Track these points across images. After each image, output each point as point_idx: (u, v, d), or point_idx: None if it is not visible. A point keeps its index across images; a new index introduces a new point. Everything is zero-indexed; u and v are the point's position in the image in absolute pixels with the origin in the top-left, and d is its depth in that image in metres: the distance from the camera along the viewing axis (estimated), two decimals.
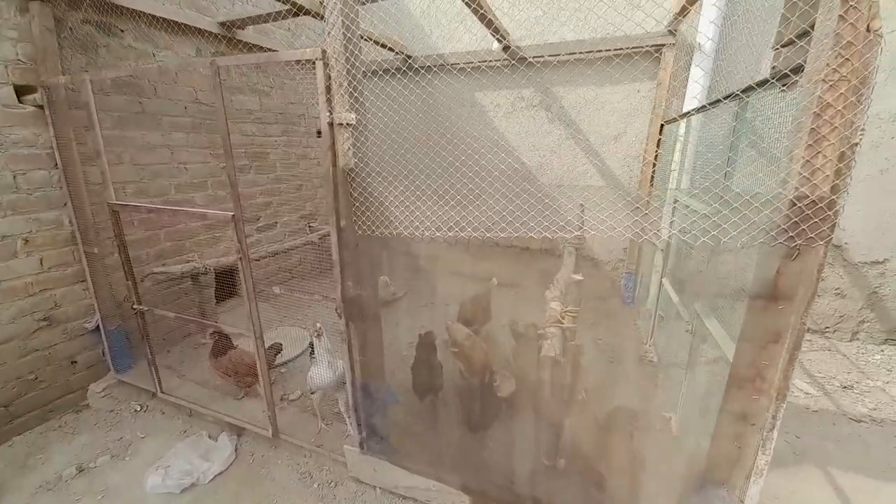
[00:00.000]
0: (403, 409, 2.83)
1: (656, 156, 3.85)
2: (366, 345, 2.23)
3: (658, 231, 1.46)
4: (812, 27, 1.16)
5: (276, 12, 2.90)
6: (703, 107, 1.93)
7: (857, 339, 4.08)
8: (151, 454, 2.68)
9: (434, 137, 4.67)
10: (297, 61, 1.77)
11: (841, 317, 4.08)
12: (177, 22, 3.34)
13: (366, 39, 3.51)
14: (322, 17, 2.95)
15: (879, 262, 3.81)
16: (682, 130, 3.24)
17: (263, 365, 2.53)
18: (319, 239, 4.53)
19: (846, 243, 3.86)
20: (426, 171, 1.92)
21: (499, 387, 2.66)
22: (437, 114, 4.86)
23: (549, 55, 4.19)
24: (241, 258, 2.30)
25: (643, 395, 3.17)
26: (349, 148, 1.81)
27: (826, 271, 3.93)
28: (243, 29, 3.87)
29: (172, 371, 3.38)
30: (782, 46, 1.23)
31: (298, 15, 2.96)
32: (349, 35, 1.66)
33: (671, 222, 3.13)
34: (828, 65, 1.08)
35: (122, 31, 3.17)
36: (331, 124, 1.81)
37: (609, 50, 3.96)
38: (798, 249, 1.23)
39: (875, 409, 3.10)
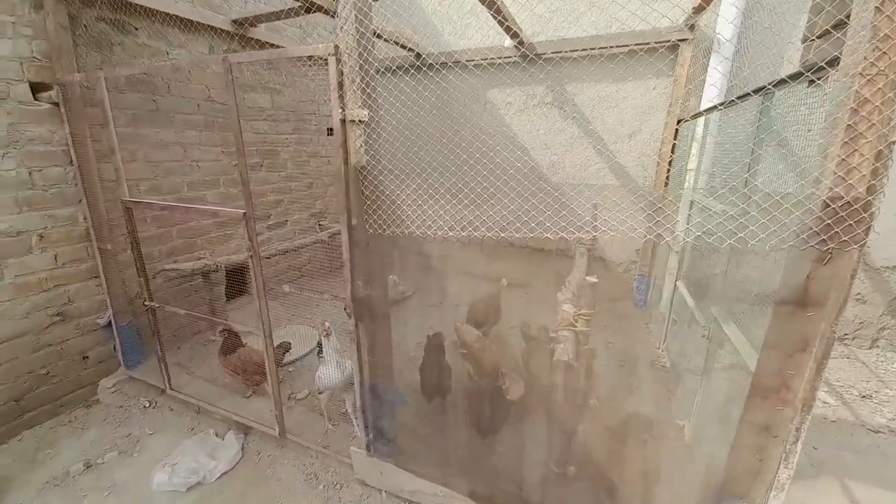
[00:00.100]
0: (411, 411, 2.80)
1: (672, 154, 3.76)
2: (375, 345, 2.20)
3: (680, 233, 1.40)
4: (847, 18, 1.10)
5: (289, 9, 2.89)
6: (730, 101, 1.86)
7: (877, 346, 3.96)
8: (159, 451, 2.68)
9: (448, 135, 4.65)
10: (310, 57, 1.75)
11: (861, 323, 3.95)
12: (190, 20, 3.36)
13: (377, 36, 3.50)
14: (334, 14, 2.96)
15: None
16: (699, 128, 3.16)
17: (272, 364, 2.52)
18: (329, 237, 4.52)
19: (868, 247, 3.74)
20: (438, 170, 1.88)
21: (508, 390, 2.61)
22: (448, 111, 4.83)
23: (563, 51, 4.13)
24: (252, 256, 2.29)
25: (655, 402, 3.09)
26: (361, 145, 1.78)
27: None
28: (256, 27, 3.88)
29: (182, 368, 3.39)
30: (818, 38, 1.17)
31: (311, 12, 2.94)
32: (362, 30, 1.64)
33: (688, 223, 3.06)
34: (865, 58, 1.03)
35: (136, 28, 3.20)
36: (343, 121, 1.78)
37: (625, 46, 3.89)
38: (830, 253, 1.17)
39: (894, 420, 3.01)
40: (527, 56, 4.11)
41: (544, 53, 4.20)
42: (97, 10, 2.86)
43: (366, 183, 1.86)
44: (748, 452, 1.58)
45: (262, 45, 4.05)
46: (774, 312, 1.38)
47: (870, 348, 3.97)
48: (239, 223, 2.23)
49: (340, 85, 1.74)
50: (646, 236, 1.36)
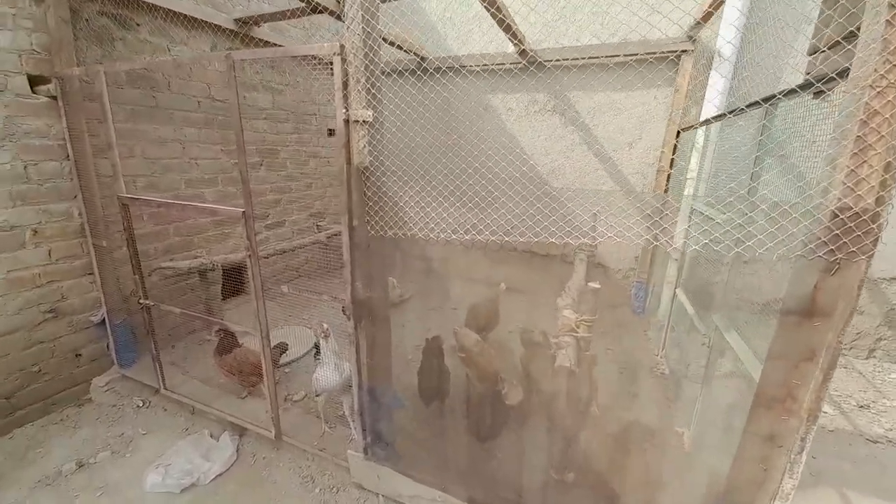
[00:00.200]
0: (409, 414, 2.78)
1: (672, 163, 3.78)
2: (374, 348, 2.18)
3: (686, 241, 1.40)
4: (856, 30, 1.10)
5: (293, 10, 2.88)
6: (736, 110, 1.86)
7: (874, 356, 3.98)
8: (152, 451, 2.64)
9: (453, 136, 4.64)
10: (314, 56, 1.73)
11: (858, 333, 3.97)
12: (193, 17, 3.34)
13: (382, 39, 3.50)
14: (337, 16, 2.95)
15: None
16: (699, 137, 3.17)
17: (269, 365, 2.49)
18: (327, 238, 4.50)
19: None
20: (442, 172, 1.87)
21: (506, 395, 2.59)
22: (450, 115, 4.83)
23: (565, 59, 4.15)
24: (250, 255, 2.26)
25: (654, 409, 3.09)
26: (364, 146, 1.77)
27: None
28: (259, 26, 3.87)
29: (176, 367, 3.34)
30: (828, 49, 1.17)
31: (316, 12, 2.93)
32: (368, 30, 1.62)
33: (688, 231, 3.06)
34: (875, 70, 1.03)
35: (137, 24, 3.17)
36: (346, 121, 1.77)
37: (627, 55, 3.91)
38: (838, 263, 1.16)
39: (891, 430, 3.02)
40: (530, 63, 4.12)
41: (550, 60, 4.21)
42: (99, 4, 2.83)
43: (368, 184, 1.84)
44: (752, 462, 1.57)
45: (266, 44, 4.04)
46: (780, 322, 1.38)
47: (867, 358, 3.99)
48: (237, 222, 2.21)
49: (345, 85, 1.72)
50: (652, 243, 1.35)
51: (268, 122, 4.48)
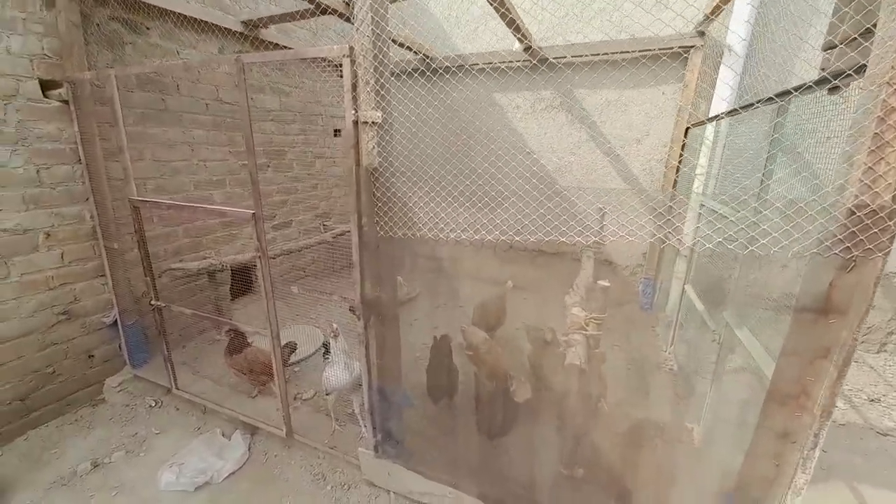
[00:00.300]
0: (418, 412, 2.79)
1: (680, 160, 3.75)
2: (383, 347, 2.20)
3: (698, 239, 1.39)
4: (873, 27, 1.09)
5: (299, 11, 2.88)
6: (748, 105, 1.84)
7: (885, 350, 3.96)
8: (166, 450, 2.67)
9: (462, 137, 4.63)
10: (324, 58, 1.74)
11: (869, 328, 3.95)
12: (201, 20, 3.36)
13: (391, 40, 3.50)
14: (344, 17, 2.96)
15: None
16: (709, 133, 3.15)
17: (279, 364, 2.51)
18: (333, 238, 4.52)
19: None
20: (451, 173, 1.87)
21: (514, 392, 2.60)
22: (457, 115, 4.82)
23: (573, 56, 4.12)
24: (260, 256, 2.28)
25: (663, 405, 3.09)
26: (374, 147, 1.78)
27: None
28: (266, 28, 3.88)
29: (187, 367, 3.38)
30: (844, 45, 1.16)
31: (324, 13, 2.93)
32: (378, 32, 1.63)
33: (697, 227, 3.05)
34: (893, 67, 1.02)
35: (147, 28, 3.19)
36: (356, 122, 1.77)
37: (635, 51, 3.88)
38: (854, 261, 1.16)
39: None
40: (537, 60, 4.10)
41: (557, 58, 4.19)
42: (110, 8, 2.85)
43: (377, 185, 1.85)
44: (765, 458, 1.56)
45: (273, 46, 4.05)
46: (794, 319, 1.37)
47: (878, 352, 3.96)
48: (246, 223, 2.22)
49: (354, 86, 1.73)
50: (663, 242, 1.35)
51: (275, 123, 4.50)
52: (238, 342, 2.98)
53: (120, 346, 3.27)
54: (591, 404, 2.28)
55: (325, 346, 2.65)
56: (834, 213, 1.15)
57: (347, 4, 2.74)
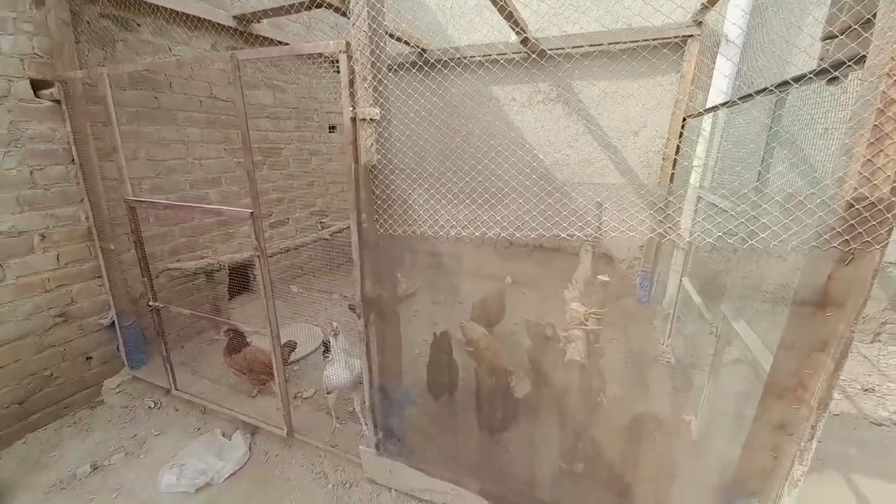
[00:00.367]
0: (419, 409, 2.80)
1: (678, 151, 3.75)
2: (384, 345, 2.20)
3: (698, 233, 1.39)
4: (872, 17, 1.09)
5: (293, 5, 2.84)
6: (745, 96, 1.84)
7: (879, 340, 3.99)
8: (165, 452, 2.67)
9: (461, 133, 4.60)
10: (320, 54, 1.72)
11: (863, 318, 3.98)
12: (193, 16, 3.31)
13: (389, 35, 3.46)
14: (337, 10, 2.93)
15: None
16: (706, 125, 3.14)
17: (280, 363, 2.50)
18: (331, 235, 4.50)
19: None
20: (451, 170, 1.86)
21: (514, 387, 2.61)
22: (454, 108, 4.79)
23: (569, 47, 4.10)
24: (259, 256, 2.26)
25: (661, 397, 3.11)
26: (372, 144, 1.76)
27: None
28: (258, 22, 3.83)
29: (186, 367, 3.37)
30: (843, 35, 1.15)
31: (318, 7, 2.89)
32: (375, 27, 1.61)
33: (694, 220, 3.05)
34: (893, 58, 1.01)
35: (138, 25, 3.15)
36: (353, 119, 1.76)
37: (632, 41, 3.86)
38: (853, 254, 1.16)
39: None
40: (533, 52, 4.07)
41: (553, 49, 4.16)
42: (100, 5, 2.80)
43: (376, 182, 1.84)
44: (762, 450, 1.58)
45: (267, 41, 4.00)
46: (792, 312, 1.38)
47: (872, 342, 4.00)
48: (243, 222, 2.21)
49: (351, 83, 1.71)
50: (663, 237, 1.35)
51: (270, 120, 4.47)
52: (237, 342, 2.97)
53: (118, 348, 3.26)
54: (591, 399, 2.29)
55: (325, 344, 2.64)
56: (833, 206, 1.16)
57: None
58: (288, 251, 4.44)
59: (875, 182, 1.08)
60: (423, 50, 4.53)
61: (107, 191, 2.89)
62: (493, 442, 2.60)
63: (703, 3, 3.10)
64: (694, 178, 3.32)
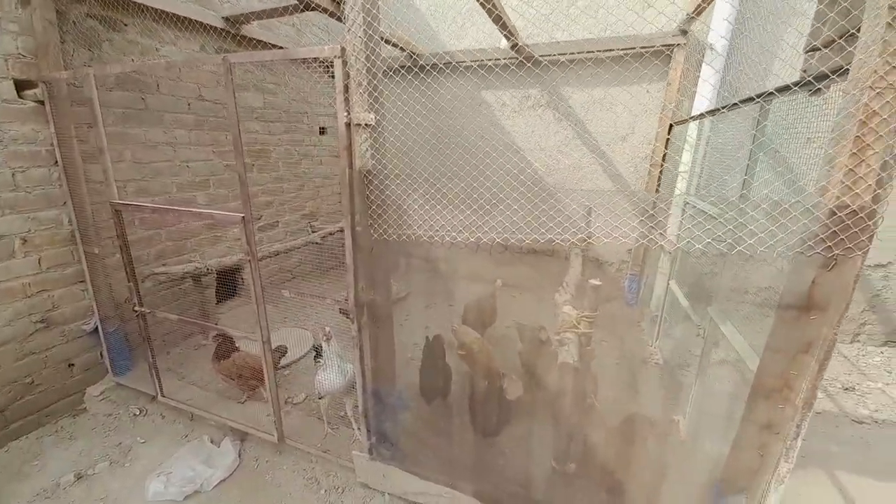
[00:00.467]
0: (412, 413, 2.79)
1: (664, 158, 3.83)
2: (377, 350, 2.19)
3: (687, 239, 1.43)
4: (855, 29, 1.13)
5: (284, 7, 2.83)
6: (730, 105, 1.90)
7: (858, 340, 4.12)
8: (152, 460, 2.61)
9: (454, 137, 4.61)
10: (315, 59, 1.71)
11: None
12: (182, 16, 3.26)
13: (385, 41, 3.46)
14: (332, 14, 2.92)
15: (883, 266, 3.84)
16: (692, 132, 3.22)
17: (271, 369, 2.48)
18: (322, 238, 4.47)
19: None
20: (446, 175, 1.88)
21: (506, 390, 2.63)
22: (446, 113, 4.81)
23: (559, 54, 4.16)
24: (250, 260, 2.24)
25: (649, 398, 3.16)
26: (367, 149, 1.76)
27: None
28: (248, 24, 3.80)
29: (173, 373, 3.31)
30: (826, 48, 1.20)
31: (309, 10, 2.88)
32: (370, 32, 1.61)
33: (681, 226, 3.12)
34: (875, 72, 1.06)
35: (125, 25, 3.09)
36: (348, 125, 1.76)
37: (620, 49, 3.93)
38: (835, 260, 1.21)
39: (876, 411, 3.13)
40: (523, 58, 4.12)
41: (543, 55, 4.21)
42: (87, 5, 2.75)
43: (371, 187, 1.84)
44: (750, 449, 1.62)
45: (256, 43, 3.97)
46: (778, 316, 1.42)
47: (851, 342, 4.12)
48: (233, 226, 2.18)
49: (346, 88, 1.71)
50: (655, 244, 1.38)
51: (259, 122, 4.42)
52: (226, 347, 2.93)
53: (101, 354, 3.18)
54: (582, 401, 2.32)
55: (316, 349, 2.62)
56: (816, 213, 1.20)
57: (337, 3, 2.70)
58: (278, 255, 4.40)
59: (857, 191, 1.13)
60: (415, 54, 4.54)
61: (91, 193, 2.83)
62: (486, 444, 2.60)
63: (688, 13, 3.19)
64: (680, 184, 3.39)
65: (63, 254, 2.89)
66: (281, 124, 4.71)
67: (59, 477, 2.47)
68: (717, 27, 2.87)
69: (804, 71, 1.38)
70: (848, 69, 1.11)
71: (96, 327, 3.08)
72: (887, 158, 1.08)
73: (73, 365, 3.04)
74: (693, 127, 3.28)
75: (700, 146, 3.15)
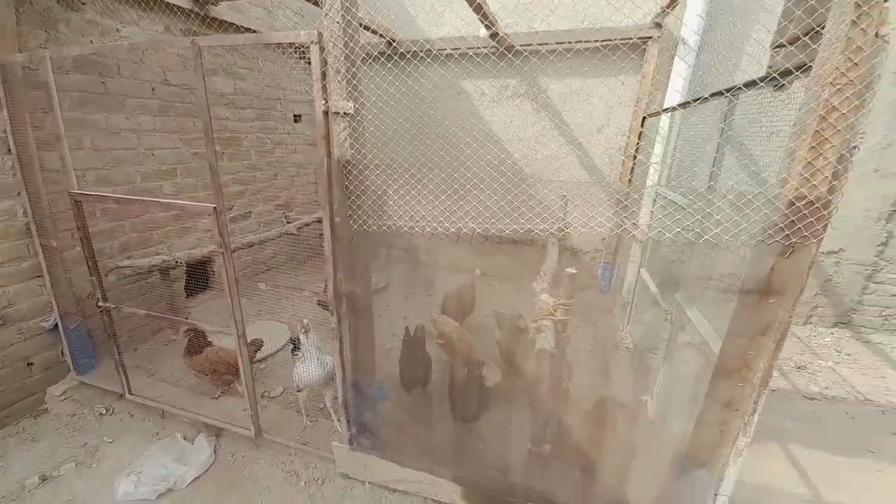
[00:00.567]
0: (392, 402, 2.81)
1: (638, 149, 3.93)
2: (357, 341, 2.18)
3: (658, 229, 1.49)
4: (820, 27, 1.18)
5: None
6: (699, 99, 1.96)
7: (810, 322, 4.39)
8: (121, 459, 2.53)
9: (437, 128, 4.56)
10: (291, 44, 1.66)
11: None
12: None
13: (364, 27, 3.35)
14: (314, 1, 2.80)
15: (835, 252, 4.10)
16: (664, 124, 3.31)
17: (247, 363, 2.43)
18: (298, 229, 4.38)
19: None
20: (427, 166, 1.87)
21: (485, 377, 2.68)
22: (426, 101, 4.75)
23: (537, 44, 4.17)
24: (223, 252, 2.17)
25: (620, 381, 3.28)
26: (346, 139, 1.73)
27: None
28: (216, 5, 3.61)
29: (141, 370, 3.19)
30: (790, 44, 1.26)
31: None
32: (348, 18, 1.57)
33: (652, 216, 3.23)
34: (837, 68, 1.11)
35: (83, 4, 2.87)
36: (326, 113, 1.72)
37: (596, 41, 3.98)
38: (792, 247, 1.29)
39: (826, 388, 3.34)
40: (502, 47, 4.11)
41: (527, 45, 4.20)
42: None
43: (350, 178, 1.81)
44: (712, 425, 1.72)
45: (226, 25, 3.78)
46: (740, 301, 1.51)
47: (804, 324, 4.39)
48: (204, 216, 2.11)
49: (324, 75, 1.67)
50: (628, 233, 1.43)
51: (230, 108, 4.25)
52: (198, 342, 2.84)
53: (62, 352, 3.02)
54: (558, 385, 2.40)
55: (293, 341, 2.59)
56: (777, 204, 1.27)
57: None
58: (251, 246, 4.28)
59: (814, 182, 1.20)
60: (394, 41, 4.45)
61: (48, 183, 2.66)
62: (466, 431, 2.65)
63: (662, 7, 3.25)
64: (652, 175, 3.50)
65: (18, 247, 2.72)
66: (252, 111, 4.54)
67: (23, 479, 2.37)
68: (690, 22, 2.95)
69: (770, 67, 1.45)
70: (811, 66, 1.17)
71: (56, 324, 2.92)
72: (843, 152, 1.16)
73: (32, 364, 2.88)
74: (665, 119, 3.38)
75: (671, 138, 3.25)
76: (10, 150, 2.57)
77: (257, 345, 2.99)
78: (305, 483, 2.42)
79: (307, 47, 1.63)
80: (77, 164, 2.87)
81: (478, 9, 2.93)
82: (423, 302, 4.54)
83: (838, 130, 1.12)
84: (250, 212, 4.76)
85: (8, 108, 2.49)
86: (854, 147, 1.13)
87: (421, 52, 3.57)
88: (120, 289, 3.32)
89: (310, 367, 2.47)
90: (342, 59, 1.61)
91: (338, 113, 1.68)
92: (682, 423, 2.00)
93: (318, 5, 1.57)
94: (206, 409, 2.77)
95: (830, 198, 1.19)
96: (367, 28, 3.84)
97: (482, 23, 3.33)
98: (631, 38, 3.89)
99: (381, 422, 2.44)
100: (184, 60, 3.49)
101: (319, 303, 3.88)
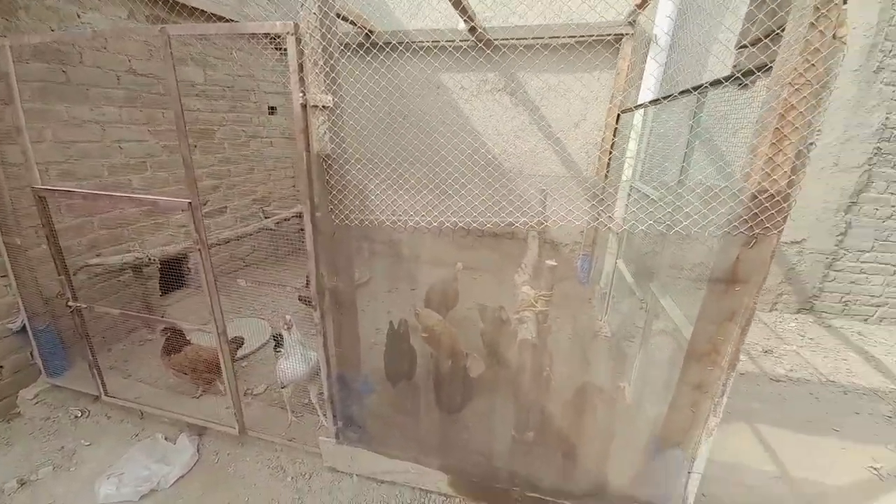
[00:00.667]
0: (377, 396, 2.83)
1: (612, 144, 4.02)
2: (341, 335, 2.18)
3: (631, 221, 1.55)
4: (780, 30, 1.25)
5: None
6: (670, 96, 2.04)
7: (776, 309, 4.63)
8: (100, 462, 2.47)
9: (417, 121, 4.52)
10: (266, 34, 1.63)
11: (763, 291, 4.60)
12: None
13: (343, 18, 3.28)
14: None
15: (797, 242, 4.33)
16: (637, 120, 3.41)
17: (228, 361, 2.40)
18: (277, 224, 4.30)
19: None
20: (408, 160, 1.87)
21: (469, 368, 2.74)
22: (403, 96, 4.72)
23: (514, 38, 4.18)
24: (200, 249, 2.13)
25: (598, 368, 3.39)
26: (325, 132, 1.72)
27: None
28: None
29: (117, 371, 3.10)
30: (752, 45, 1.32)
31: None
32: (325, 9, 1.55)
33: (627, 209, 3.33)
34: (795, 69, 1.18)
35: None
36: (304, 106, 1.70)
37: (572, 36, 4.03)
38: (755, 238, 1.37)
39: (791, 371, 3.54)
40: (479, 41, 4.11)
41: (499, 39, 4.20)
42: None
43: (331, 172, 1.80)
44: (684, 407, 1.82)
45: (191, 11, 3.64)
46: (708, 289, 1.59)
47: (770, 311, 4.63)
48: (177, 212, 2.06)
49: (301, 67, 1.64)
50: (604, 226, 1.48)
51: (201, 99, 4.11)
52: (176, 341, 2.79)
53: (31, 354, 2.91)
54: (540, 374, 2.47)
55: (276, 338, 2.57)
56: (741, 197, 1.34)
57: None
58: (228, 242, 4.19)
59: (774, 177, 1.27)
60: (371, 32, 4.37)
61: (9, 178, 2.53)
62: (451, 421, 2.70)
63: (634, 5, 3.32)
64: (627, 169, 3.60)
65: None
66: (225, 102, 4.40)
67: (1, 483, 2.31)
68: (660, 23, 3.03)
69: (734, 67, 1.52)
70: (772, 66, 1.23)
71: (24, 326, 2.81)
72: (801, 148, 1.23)
73: (0, 367, 2.77)
74: (638, 116, 3.48)
75: (644, 134, 3.34)
76: None
77: (238, 342, 2.95)
78: (293, 478, 2.43)
79: (283, 38, 1.60)
80: (39, 157, 2.73)
81: (457, 3, 2.91)
82: (406, 296, 4.55)
83: (796, 128, 1.19)
84: (226, 207, 4.65)
85: None
86: (811, 143, 1.20)
87: (399, 44, 3.53)
88: (91, 288, 3.21)
89: (293, 364, 2.47)
90: (319, 50, 1.59)
91: (316, 106, 1.66)
92: (657, 406, 2.10)
93: None
94: (188, 408, 2.72)
95: (790, 191, 1.27)
96: (344, 18, 3.76)
97: (461, 17, 3.33)
98: (605, 36, 3.96)
99: (368, 415, 2.46)
100: (150, 48, 3.35)
101: (301, 298, 3.85)
